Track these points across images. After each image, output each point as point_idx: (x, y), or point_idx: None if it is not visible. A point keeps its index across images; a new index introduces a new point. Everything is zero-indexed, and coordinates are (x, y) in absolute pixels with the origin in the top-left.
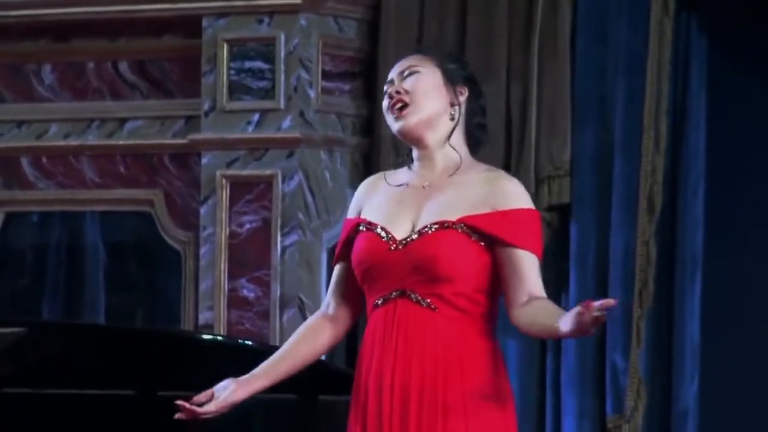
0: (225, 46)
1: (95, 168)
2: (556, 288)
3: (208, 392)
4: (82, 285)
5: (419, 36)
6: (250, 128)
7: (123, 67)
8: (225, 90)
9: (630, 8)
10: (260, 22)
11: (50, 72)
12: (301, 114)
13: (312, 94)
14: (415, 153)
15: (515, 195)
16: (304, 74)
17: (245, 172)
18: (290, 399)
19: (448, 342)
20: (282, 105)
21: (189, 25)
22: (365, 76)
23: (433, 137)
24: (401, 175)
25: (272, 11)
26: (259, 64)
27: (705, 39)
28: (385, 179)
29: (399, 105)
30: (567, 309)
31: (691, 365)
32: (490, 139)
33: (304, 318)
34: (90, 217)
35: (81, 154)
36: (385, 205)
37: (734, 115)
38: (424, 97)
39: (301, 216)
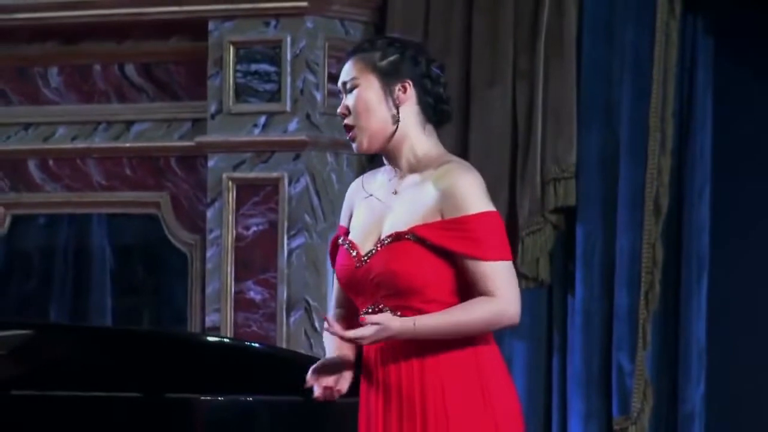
0: (231, 48)
1: (102, 170)
2: (563, 290)
3: (313, 376)
4: (88, 287)
5: (425, 38)
6: (257, 131)
7: (129, 69)
8: (231, 92)
9: (636, 10)
10: (266, 24)
11: (57, 74)
12: (308, 116)
13: (318, 96)
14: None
15: (464, 200)
16: (310, 77)
17: (252, 175)
18: (296, 401)
19: (426, 351)
20: (288, 107)
21: (195, 28)
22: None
23: (388, 144)
24: (380, 175)
25: (278, 14)
26: (265, 67)
27: (711, 41)
28: (362, 185)
29: (347, 129)
30: (573, 311)
31: (698, 367)
32: (495, 141)
33: (311, 320)
34: (97, 220)
35: (88, 156)
36: (362, 215)
37: (740, 117)
38: (365, 115)
39: (307, 218)
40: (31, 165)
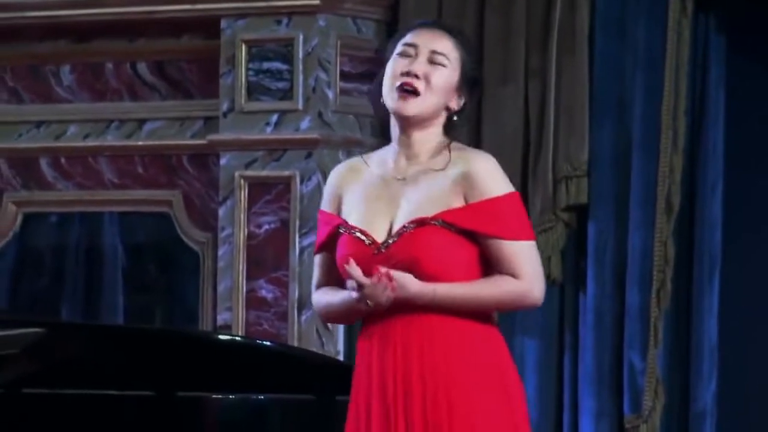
0: (243, 46)
1: (114, 169)
2: (574, 288)
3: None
4: (100, 286)
5: None
6: (269, 129)
7: (142, 67)
8: (243, 91)
9: (648, 7)
10: (279, 23)
11: (69, 73)
12: (320, 115)
13: (330, 94)
14: (395, 131)
15: (487, 183)
16: (322, 75)
17: (264, 173)
18: (308, 399)
19: (447, 339)
20: (300, 106)
21: (208, 26)
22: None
23: (420, 129)
24: (378, 158)
25: (291, 12)
26: (277, 65)
27: (723, 38)
28: (366, 164)
29: (410, 89)
30: (585, 309)
31: (709, 365)
32: (507, 138)
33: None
34: (108, 218)
35: (100, 154)
36: (363, 202)
37: (753, 113)
38: (436, 95)
39: None
40: (43, 163)
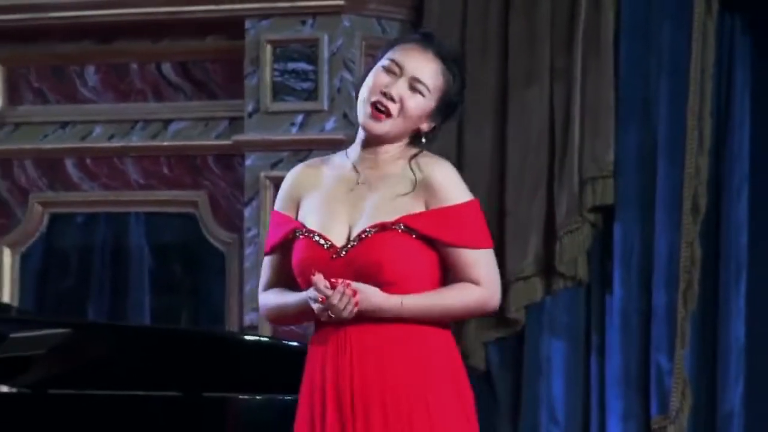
0: (268, 47)
1: (139, 169)
2: (601, 290)
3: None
4: (126, 286)
5: (462, 37)
6: (294, 129)
7: (166, 68)
8: (268, 91)
9: (673, 9)
10: (303, 23)
11: (94, 73)
12: (345, 115)
13: (355, 95)
14: (360, 135)
15: (448, 190)
16: (347, 75)
17: None
18: None
19: (403, 343)
20: (325, 106)
21: (232, 27)
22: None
23: (385, 148)
24: (339, 160)
25: (315, 12)
26: (302, 66)
27: (748, 39)
28: (325, 166)
29: (383, 109)
30: (611, 311)
31: (737, 366)
32: (532, 140)
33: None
34: (134, 219)
35: (125, 155)
36: (322, 205)
37: None
38: (407, 120)
39: None
40: (69, 164)
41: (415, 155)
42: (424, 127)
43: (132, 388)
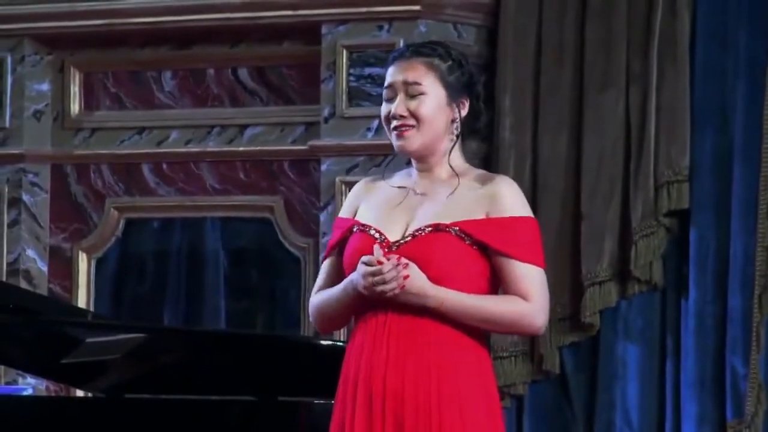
0: (344, 52)
1: (215, 174)
2: (676, 293)
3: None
4: (202, 291)
5: (538, 42)
6: (370, 134)
7: (243, 73)
8: (344, 96)
9: (749, 12)
10: (380, 28)
11: (170, 79)
12: None
13: None
14: (414, 162)
15: (511, 202)
16: None
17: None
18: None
19: (441, 348)
20: None
21: (308, 32)
22: (484, 82)
23: (433, 156)
24: (401, 177)
25: (392, 18)
26: (378, 71)
27: None
28: (384, 178)
29: (401, 127)
30: (687, 315)
31: None
32: (608, 144)
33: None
34: (210, 224)
35: (201, 160)
36: (380, 207)
37: None
38: (429, 122)
39: None
40: (145, 169)
41: (479, 172)
42: (456, 113)
43: (207, 392)
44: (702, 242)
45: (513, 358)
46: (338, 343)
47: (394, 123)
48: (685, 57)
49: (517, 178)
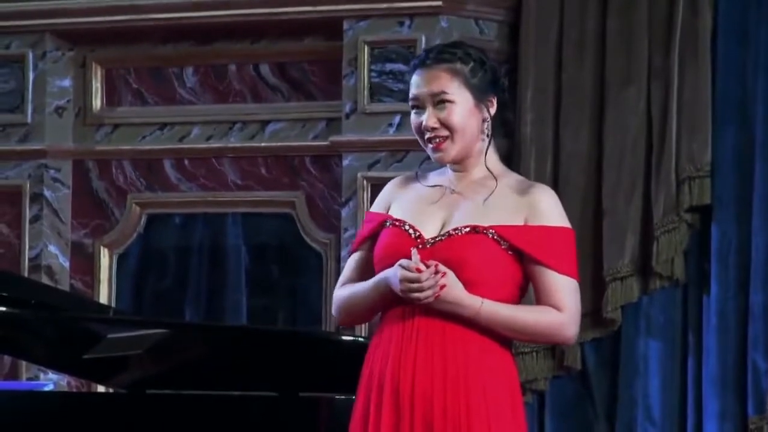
0: (366, 48)
1: (237, 170)
2: (698, 289)
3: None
4: (223, 287)
5: (559, 38)
6: (391, 130)
7: (264, 69)
8: (366, 92)
9: None
10: (401, 24)
11: (192, 74)
12: None
13: None
14: (449, 167)
15: (549, 211)
16: None
17: (386, 174)
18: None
19: (468, 348)
20: None
21: (330, 28)
22: (506, 77)
23: (470, 158)
24: (435, 176)
25: (413, 13)
26: (400, 67)
27: None
28: (417, 178)
29: (434, 139)
30: (708, 311)
31: None
32: (629, 139)
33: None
34: (232, 219)
35: (223, 156)
36: (415, 203)
37: None
38: (462, 130)
39: None
40: (167, 165)
41: (524, 180)
42: (486, 113)
43: (228, 388)
44: (723, 238)
45: (534, 353)
46: (359, 339)
47: (428, 135)
48: (706, 53)
49: (538, 174)
